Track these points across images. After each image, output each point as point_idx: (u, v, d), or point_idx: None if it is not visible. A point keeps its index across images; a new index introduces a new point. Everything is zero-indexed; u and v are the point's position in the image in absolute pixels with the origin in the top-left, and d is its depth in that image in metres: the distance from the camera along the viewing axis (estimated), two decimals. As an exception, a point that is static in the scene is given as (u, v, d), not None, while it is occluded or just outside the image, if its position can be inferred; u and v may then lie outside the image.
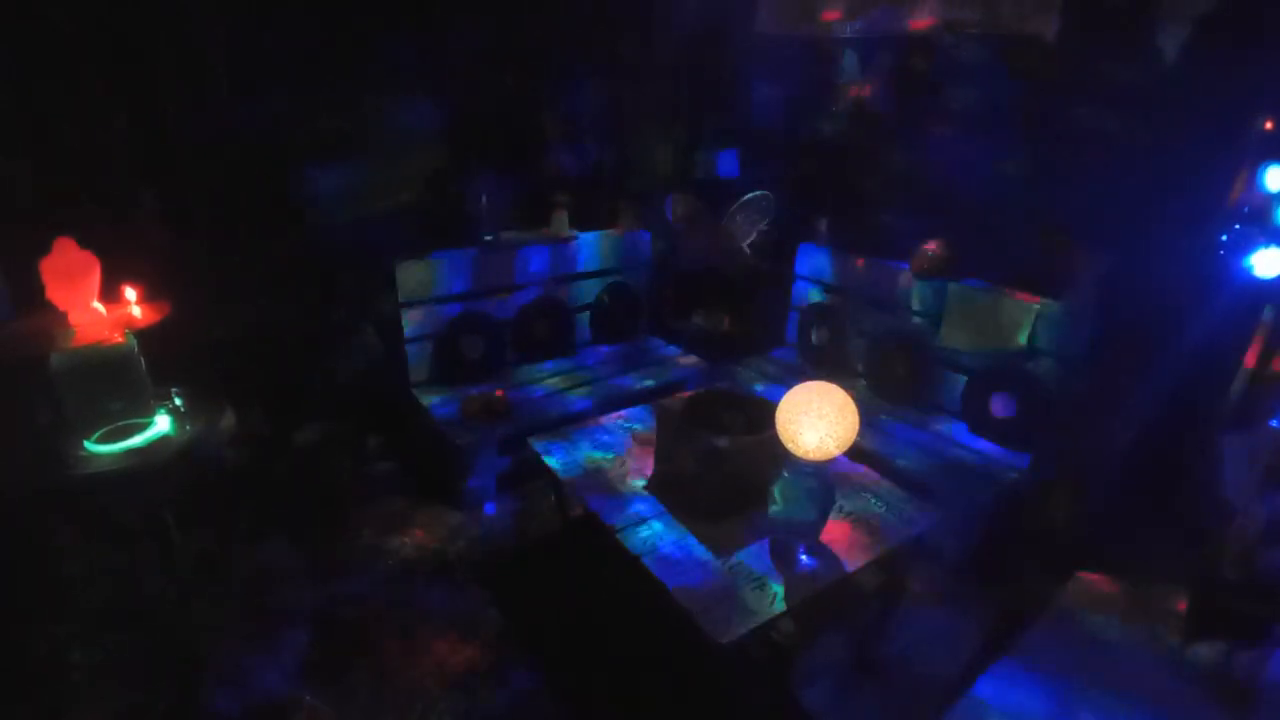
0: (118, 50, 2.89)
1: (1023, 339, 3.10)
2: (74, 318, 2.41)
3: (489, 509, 3.33)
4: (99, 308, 2.46)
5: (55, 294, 2.39)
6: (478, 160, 3.81)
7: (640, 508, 2.40)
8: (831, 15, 3.79)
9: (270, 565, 2.76)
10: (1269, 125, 2.55)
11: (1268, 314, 2.52)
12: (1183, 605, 2.31)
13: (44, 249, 2.36)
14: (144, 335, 2.47)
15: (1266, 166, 2.46)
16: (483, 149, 3.86)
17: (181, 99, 3.06)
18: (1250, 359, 2.55)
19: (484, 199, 3.74)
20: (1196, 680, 2.07)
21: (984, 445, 3.15)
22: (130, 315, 2.50)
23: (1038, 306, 3.07)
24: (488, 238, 3.79)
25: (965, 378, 3.30)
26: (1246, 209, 2.55)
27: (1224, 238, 2.61)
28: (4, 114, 2.68)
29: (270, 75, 3.22)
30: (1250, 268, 2.47)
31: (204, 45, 3.06)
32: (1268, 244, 2.44)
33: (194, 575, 2.63)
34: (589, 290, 4.14)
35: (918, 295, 3.51)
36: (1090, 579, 2.45)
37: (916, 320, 3.53)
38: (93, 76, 2.85)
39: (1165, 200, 2.75)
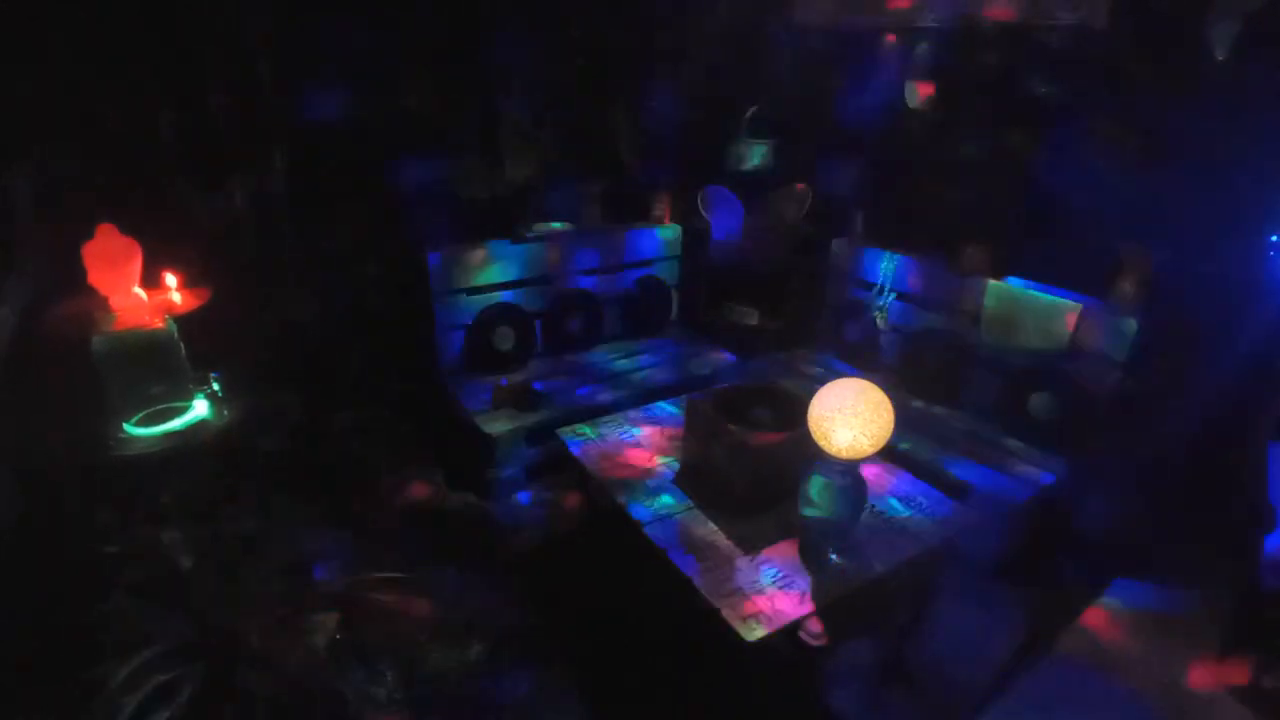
0: (165, 40, 2.93)
1: (1065, 339, 3.02)
2: (115, 302, 2.46)
3: (523, 498, 3.35)
4: (140, 293, 2.51)
5: (97, 278, 2.44)
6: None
7: (668, 502, 2.39)
8: (897, 3, 3.72)
9: (305, 548, 2.80)
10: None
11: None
12: (1224, 614, 2.25)
13: (88, 234, 2.41)
14: (184, 321, 2.51)
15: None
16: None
17: (228, 90, 3.10)
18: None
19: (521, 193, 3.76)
20: (1235, 691, 2.01)
21: (1022, 447, 3.07)
22: (170, 301, 2.55)
23: (1082, 306, 2.99)
24: (523, 230, 3.80)
25: (1004, 377, 3.23)
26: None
27: (1275, 239, 2.52)
28: (52, 102, 2.74)
29: (314, 70, 3.25)
30: (1308, 270, 2.38)
31: (251, 38, 3.10)
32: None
33: (230, 556, 2.67)
34: (621, 283, 4.13)
35: (958, 292, 3.44)
36: (1130, 586, 2.39)
37: (956, 318, 3.45)
38: (140, 65, 2.90)
39: (1215, 199, 2.66)
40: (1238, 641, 2.16)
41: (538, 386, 3.40)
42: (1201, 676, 2.06)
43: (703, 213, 3.95)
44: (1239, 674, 2.04)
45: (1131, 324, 2.83)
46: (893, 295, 3.70)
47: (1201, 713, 1.95)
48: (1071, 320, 3.00)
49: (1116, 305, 2.90)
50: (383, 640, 2.43)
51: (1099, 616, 2.32)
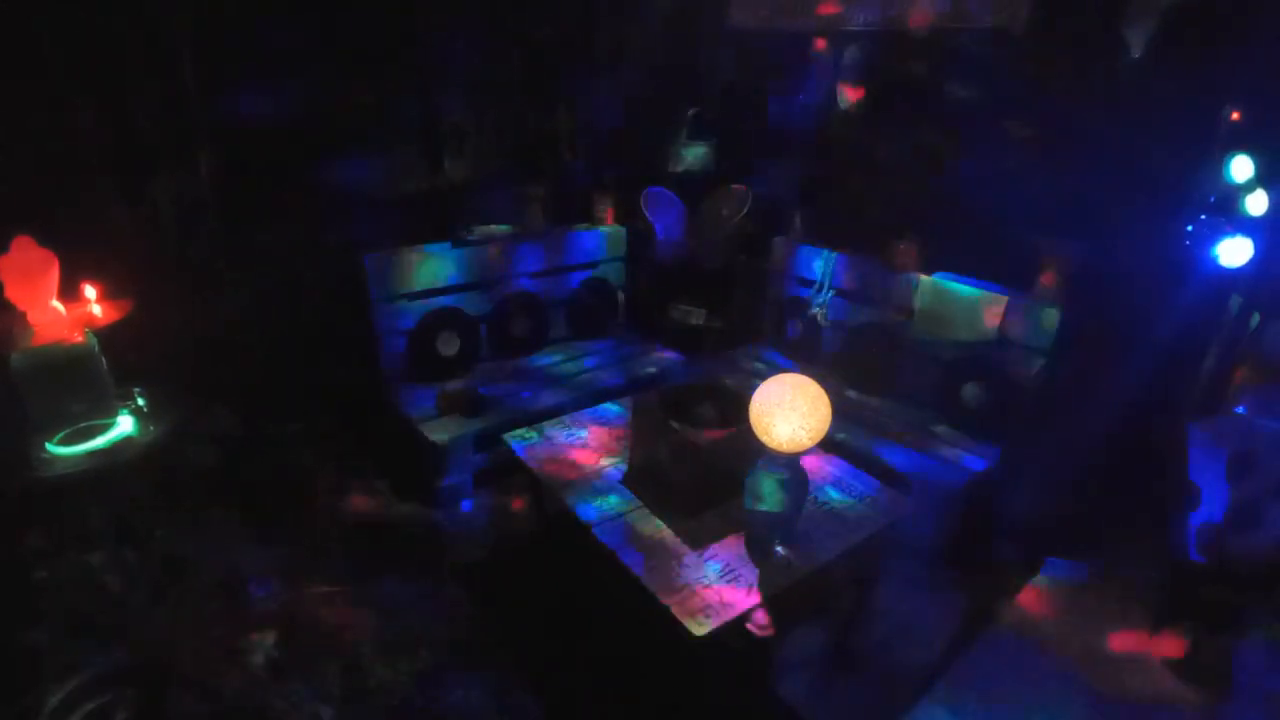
0: (85, 44, 2.82)
1: (993, 331, 3.13)
2: (33, 317, 2.36)
3: (466, 506, 3.31)
4: (58, 306, 2.41)
5: (14, 292, 2.34)
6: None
7: (616, 503, 2.39)
8: (828, 9, 3.78)
9: (240, 566, 2.72)
10: (1235, 116, 2.59)
11: (1234, 302, 2.55)
12: (1153, 592, 2.35)
13: (2, 247, 2.30)
14: (106, 333, 2.42)
15: (1232, 157, 2.49)
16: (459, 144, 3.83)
17: (149, 94, 3.00)
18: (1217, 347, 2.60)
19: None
20: (1169, 666, 2.10)
21: (956, 435, 3.17)
22: (90, 314, 2.45)
23: (1007, 299, 3.10)
24: (464, 232, 3.75)
25: (938, 369, 3.32)
26: (1213, 199, 2.58)
27: (1190, 228, 2.64)
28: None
29: (242, 70, 3.16)
30: (1216, 257, 2.51)
31: (173, 40, 3.00)
32: (1233, 233, 2.47)
33: (162, 577, 2.58)
34: (566, 285, 4.12)
35: (892, 288, 3.53)
36: (1062, 565, 2.49)
37: (891, 313, 3.54)
38: (58, 70, 2.78)
39: (1133, 191, 2.78)
40: (1168, 616, 2.26)
41: (483, 391, 3.36)
42: (1131, 647, 2.15)
43: (645, 214, 3.97)
44: (1172, 647, 2.14)
45: (1054, 315, 2.95)
46: (831, 292, 3.77)
47: (1134, 684, 2.04)
48: (998, 313, 3.11)
49: (1039, 298, 3.02)
50: (324, 656, 2.38)
51: (1033, 595, 2.41)
